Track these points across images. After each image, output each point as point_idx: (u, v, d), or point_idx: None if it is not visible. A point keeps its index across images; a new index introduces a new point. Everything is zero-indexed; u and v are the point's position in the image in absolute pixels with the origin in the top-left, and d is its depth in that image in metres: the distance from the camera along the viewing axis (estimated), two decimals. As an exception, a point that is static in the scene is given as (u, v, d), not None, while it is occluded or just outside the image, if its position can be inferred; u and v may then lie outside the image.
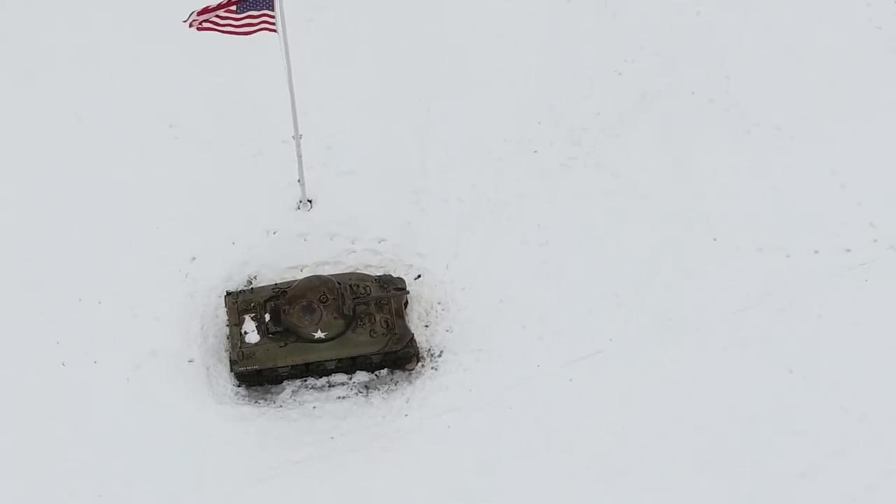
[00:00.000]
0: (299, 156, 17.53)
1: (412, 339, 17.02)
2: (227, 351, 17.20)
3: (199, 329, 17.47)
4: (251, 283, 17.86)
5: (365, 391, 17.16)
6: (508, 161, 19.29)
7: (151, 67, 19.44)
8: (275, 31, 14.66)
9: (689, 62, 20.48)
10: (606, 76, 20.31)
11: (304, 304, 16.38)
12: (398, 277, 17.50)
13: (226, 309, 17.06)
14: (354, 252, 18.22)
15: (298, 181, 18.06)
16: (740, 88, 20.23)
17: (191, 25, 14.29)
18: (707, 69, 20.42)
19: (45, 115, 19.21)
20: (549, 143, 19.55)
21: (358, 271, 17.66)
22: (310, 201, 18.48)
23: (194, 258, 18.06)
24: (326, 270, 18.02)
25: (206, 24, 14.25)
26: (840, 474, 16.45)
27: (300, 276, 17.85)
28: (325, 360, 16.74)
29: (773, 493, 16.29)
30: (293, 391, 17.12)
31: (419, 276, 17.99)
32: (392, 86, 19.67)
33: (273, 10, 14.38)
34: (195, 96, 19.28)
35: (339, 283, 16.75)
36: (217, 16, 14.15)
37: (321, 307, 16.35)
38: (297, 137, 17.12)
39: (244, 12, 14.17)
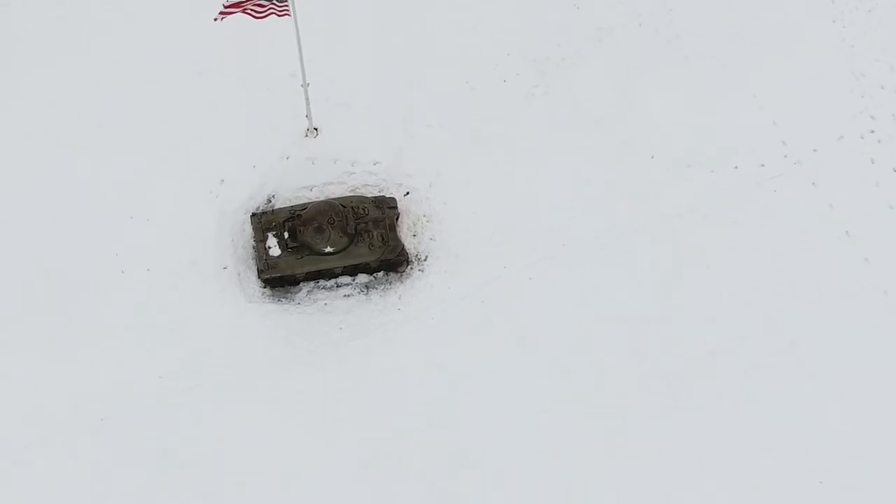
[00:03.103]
0: (307, 98, 21.15)
1: (403, 249, 21.07)
2: (253, 259, 21.18)
3: (230, 241, 21.41)
4: (270, 201, 21.72)
5: (366, 290, 21.22)
6: (482, 91, 22.85)
7: (180, 19, 22.83)
8: (288, 15, 18.14)
9: (638, -4, 23.81)
10: (566, 10, 23.67)
11: (315, 225, 20.40)
12: (390, 197, 21.39)
13: (252, 227, 20.99)
14: (354, 173, 22.00)
15: (306, 116, 21.72)
16: (681, 20, 23.62)
17: (218, 17, 17.71)
18: (652, 2, 23.75)
19: (88, 63, 22.73)
20: (516, 73, 23.07)
21: (358, 193, 21.52)
22: (315, 129, 22.15)
23: (222, 181, 21.86)
24: (331, 190, 21.87)
25: (228, 10, 17.68)
26: (743, 355, 20.49)
27: (310, 194, 21.73)
28: (334, 268, 20.78)
29: (687, 369, 20.37)
30: (308, 291, 21.19)
31: (408, 193, 21.84)
32: (384, 26, 23.05)
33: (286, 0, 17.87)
34: (216, 40, 22.64)
35: (344, 206, 20.68)
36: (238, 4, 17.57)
37: (329, 228, 20.37)
38: (306, 85, 20.75)
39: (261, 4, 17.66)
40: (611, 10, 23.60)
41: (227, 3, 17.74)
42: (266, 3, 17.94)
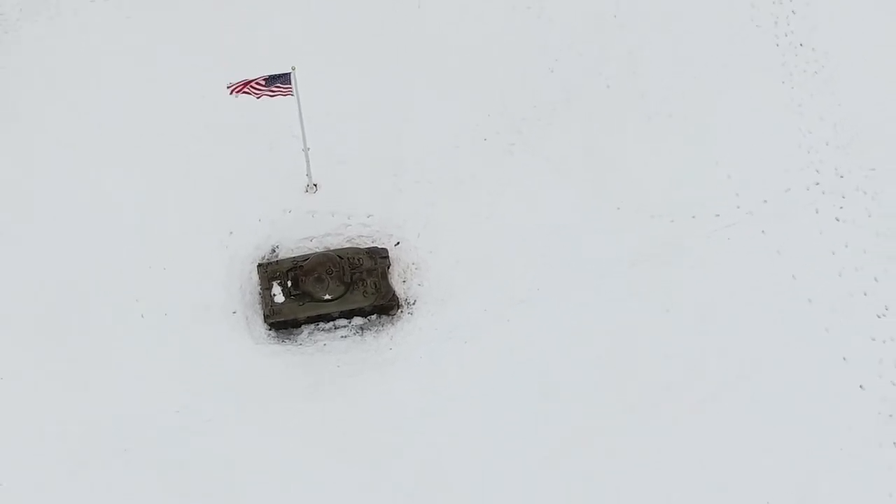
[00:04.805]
0: (307, 160, 23.61)
1: (394, 294, 23.50)
2: (260, 305, 23.55)
3: (239, 288, 23.80)
4: (275, 250, 24.11)
5: (361, 332, 23.58)
6: (465, 148, 25.25)
7: (192, 81, 25.28)
8: (291, 95, 20.63)
9: (605, 60, 26.21)
10: (541, 74, 26.10)
11: (316, 275, 22.88)
12: (382, 248, 23.82)
13: (258, 276, 23.42)
14: (350, 225, 24.38)
15: (307, 175, 24.17)
16: (645, 82, 25.98)
17: (231, 92, 20.21)
18: (619, 66, 26.18)
19: (106, 120, 25.16)
20: (496, 132, 25.48)
21: (353, 243, 23.93)
22: (315, 185, 24.58)
23: (231, 232, 24.25)
24: (329, 240, 24.26)
25: (241, 92, 20.20)
26: (700, 384, 22.80)
27: (311, 244, 24.13)
28: (332, 312, 23.19)
29: (651, 399, 22.68)
30: (309, 333, 23.55)
31: (398, 243, 24.25)
32: (376, 92, 25.48)
33: (290, 83, 20.34)
34: (224, 104, 24.96)
35: (341, 258, 23.13)
36: (251, 86, 20.08)
37: (328, 277, 22.83)
38: (306, 150, 23.21)
39: (270, 85, 20.13)
40: (581, 74, 25.99)
41: (233, 84, 20.18)
42: (273, 85, 20.40)
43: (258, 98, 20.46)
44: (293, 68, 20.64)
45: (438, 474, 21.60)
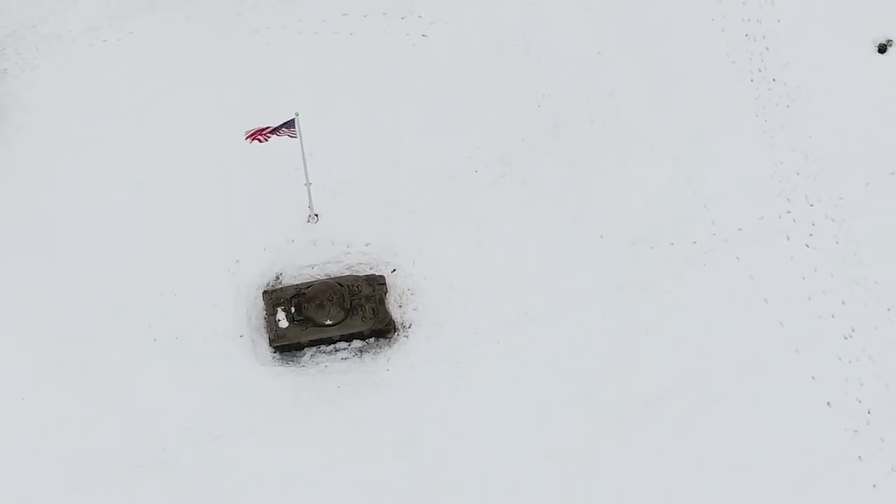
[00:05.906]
0: (309, 194, 25.13)
1: (391, 319, 25.03)
2: (265, 329, 25.06)
3: (245, 313, 25.30)
4: (279, 277, 25.61)
5: (360, 354, 25.06)
6: (457, 180, 26.77)
7: (202, 121, 26.82)
8: (295, 137, 22.21)
9: (589, 95, 27.73)
10: (528, 110, 27.62)
11: (318, 302, 24.43)
12: (379, 275, 25.34)
13: (264, 303, 24.94)
14: (349, 253, 25.89)
15: (308, 206, 25.69)
16: (626, 117, 27.49)
17: (247, 138, 21.84)
18: (602, 100, 27.70)
19: (119, 151, 26.70)
20: (486, 164, 27.01)
21: (353, 270, 25.45)
22: (316, 216, 26.09)
23: (238, 261, 25.76)
24: (330, 267, 25.76)
25: (254, 139, 21.83)
26: (678, 402, 24.17)
27: (312, 272, 25.65)
28: (333, 336, 24.71)
29: (632, 415, 23.95)
30: (311, 355, 25.04)
31: (394, 269, 25.76)
32: (372, 127, 27.01)
33: (294, 127, 21.93)
34: (231, 142, 26.46)
35: (341, 285, 24.66)
36: (263, 134, 21.69)
37: (329, 304, 24.38)
38: (308, 185, 24.75)
39: (277, 130, 21.76)
40: (566, 109, 27.50)
41: (248, 132, 21.81)
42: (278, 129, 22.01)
43: (268, 140, 21.97)
44: (297, 114, 22.19)
45: (438, 474, 22.89)
